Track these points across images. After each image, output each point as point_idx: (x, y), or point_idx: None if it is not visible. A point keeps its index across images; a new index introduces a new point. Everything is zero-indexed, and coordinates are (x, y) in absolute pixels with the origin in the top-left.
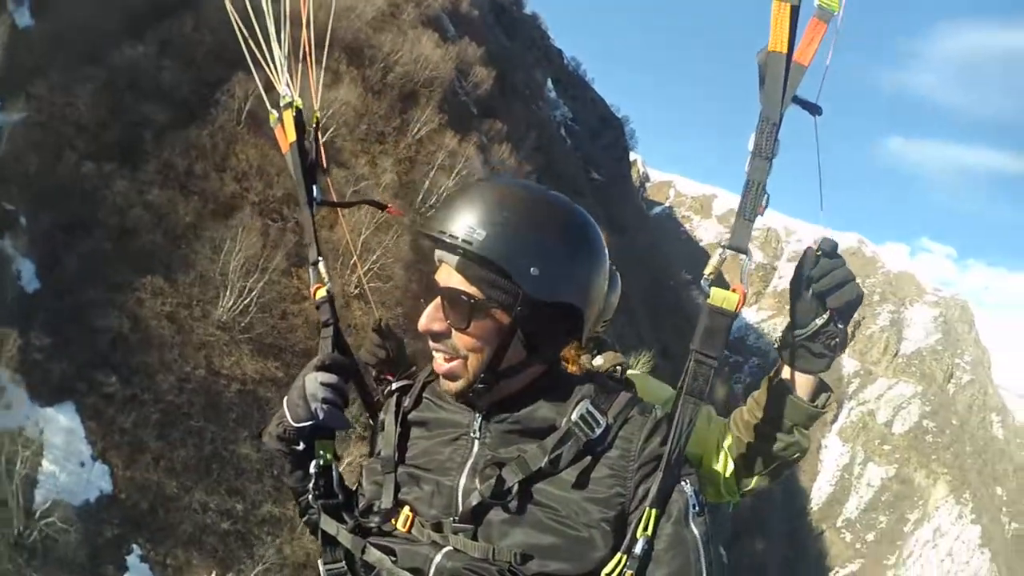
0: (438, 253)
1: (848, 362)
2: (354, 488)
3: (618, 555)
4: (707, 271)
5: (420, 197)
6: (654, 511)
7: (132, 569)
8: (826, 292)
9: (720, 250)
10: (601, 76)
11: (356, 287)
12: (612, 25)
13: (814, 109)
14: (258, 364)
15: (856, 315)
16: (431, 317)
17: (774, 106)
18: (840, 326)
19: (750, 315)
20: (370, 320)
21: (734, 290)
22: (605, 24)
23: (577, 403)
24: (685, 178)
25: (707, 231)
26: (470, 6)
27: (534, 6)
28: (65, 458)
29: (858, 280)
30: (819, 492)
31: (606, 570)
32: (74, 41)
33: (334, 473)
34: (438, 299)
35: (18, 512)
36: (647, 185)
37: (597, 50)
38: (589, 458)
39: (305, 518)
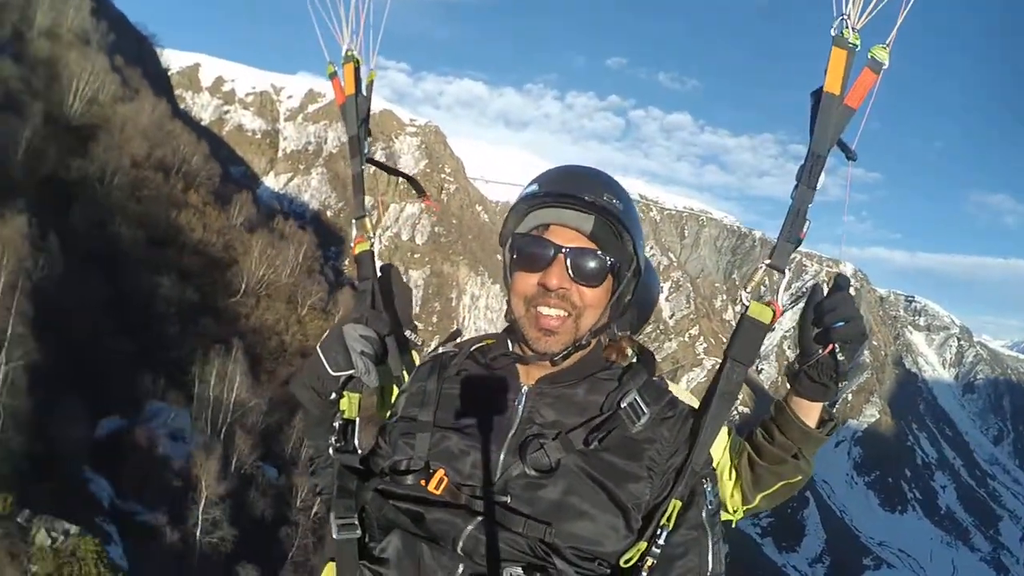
0: (554, 215)
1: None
2: (368, 451)
3: (640, 543)
4: (749, 287)
5: None
6: (679, 503)
7: None
8: (830, 325)
9: (762, 267)
10: None
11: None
12: None
13: (851, 154)
14: None
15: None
16: (559, 274)
17: (824, 143)
18: (841, 358)
19: (270, 181)
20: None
21: (769, 304)
22: None
23: (627, 391)
24: (163, 48)
25: (205, 108)
26: None
27: None
28: None
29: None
30: None
31: (627, 555)
32: None
33: (357, 429)
34: (560, 257)
35: None
36: (124, 72)
37: None
38: (627, 445)
39: (315, 473)
